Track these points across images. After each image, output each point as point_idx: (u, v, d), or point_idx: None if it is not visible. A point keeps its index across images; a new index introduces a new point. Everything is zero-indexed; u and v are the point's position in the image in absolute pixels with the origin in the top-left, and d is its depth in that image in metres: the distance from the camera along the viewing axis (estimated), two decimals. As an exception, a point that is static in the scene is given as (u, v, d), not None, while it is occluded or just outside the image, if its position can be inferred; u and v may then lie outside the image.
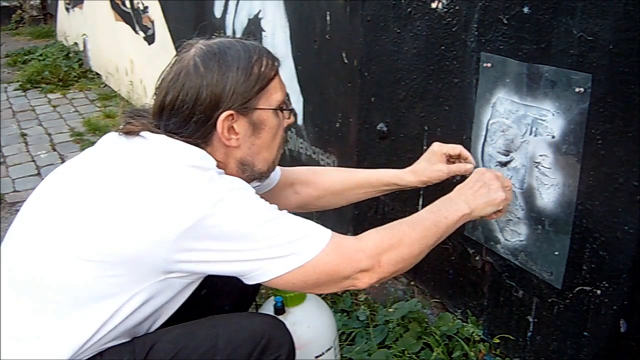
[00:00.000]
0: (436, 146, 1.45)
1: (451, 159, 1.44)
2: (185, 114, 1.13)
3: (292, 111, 1.26)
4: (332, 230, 1.13)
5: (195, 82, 1.12)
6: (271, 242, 1.06)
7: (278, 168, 1.46)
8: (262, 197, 1.14)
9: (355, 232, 2.28)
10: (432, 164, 1.44)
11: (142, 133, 1.13)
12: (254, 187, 1.36)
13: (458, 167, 1.43)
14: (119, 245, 1.04)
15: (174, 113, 1.14)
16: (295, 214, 1.14)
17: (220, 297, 1.41)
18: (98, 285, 1.06)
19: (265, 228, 1.07)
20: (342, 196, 1.55)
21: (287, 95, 1.24)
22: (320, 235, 1.10)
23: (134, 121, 1.16)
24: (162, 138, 1.12)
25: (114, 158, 1.14)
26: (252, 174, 1.24)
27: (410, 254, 1.16)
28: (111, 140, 1.18)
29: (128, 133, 1.14)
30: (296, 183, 1.52)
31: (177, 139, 1.12)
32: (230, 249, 1.05)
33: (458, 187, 1.30)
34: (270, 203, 1.11)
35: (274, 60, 1.20)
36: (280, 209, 1.13)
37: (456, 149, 1.44)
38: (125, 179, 1.09)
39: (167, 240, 1.03)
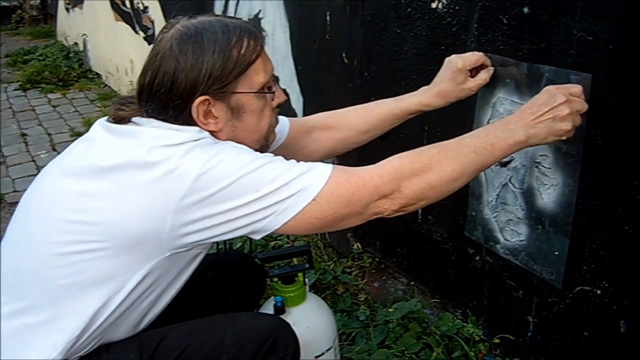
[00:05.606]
0: (459, 63, 1.37)
1: (473, 70, 1.41)
2: (162, 99, 1.09)
3: (274, 92, 1.18)
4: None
5: (170, 65, 1.08)
6: (274, 185, 1.01)
7: (286, 119, 1.41)
8: (275, 153, 1.09)
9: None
10: (458, 83, 1.38)
11: (133, 119, 1.12)
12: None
13: (483, 79, 1.40)
14: (123, 228, 1.02)
15: (152, 97, 1.10)
16: None
17: (226, 278, 1.39)
18: (102, 267, 1.05)
19: (263, 171, 1.02)
20: (367, 134, 1.49)
21: (274, 75, 1.18)
22: (322, 167, 1.05)
23: (125, 107, 1.13)
24: (154, 122, 1.10)
25: (105, 145, 1.11)
26: None
27: (440, 181, 1.07)
28: (101, 127, 1.15)
29: (119, 119, 1.12)
30: (313, 130, 1.45)
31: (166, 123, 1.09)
32: (235, 203, 1.00)
33: (521, 109, 1.17)
34: (288, 158, 1.07)
35: (256, 41, 1.13)
36: (303, 160, 1.06)
37: (478, 59, 1.39)
38: (119, 163, 1.05)
39: (167, 213, 1.00)
